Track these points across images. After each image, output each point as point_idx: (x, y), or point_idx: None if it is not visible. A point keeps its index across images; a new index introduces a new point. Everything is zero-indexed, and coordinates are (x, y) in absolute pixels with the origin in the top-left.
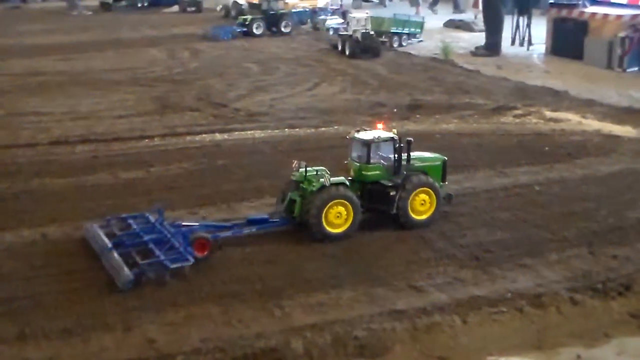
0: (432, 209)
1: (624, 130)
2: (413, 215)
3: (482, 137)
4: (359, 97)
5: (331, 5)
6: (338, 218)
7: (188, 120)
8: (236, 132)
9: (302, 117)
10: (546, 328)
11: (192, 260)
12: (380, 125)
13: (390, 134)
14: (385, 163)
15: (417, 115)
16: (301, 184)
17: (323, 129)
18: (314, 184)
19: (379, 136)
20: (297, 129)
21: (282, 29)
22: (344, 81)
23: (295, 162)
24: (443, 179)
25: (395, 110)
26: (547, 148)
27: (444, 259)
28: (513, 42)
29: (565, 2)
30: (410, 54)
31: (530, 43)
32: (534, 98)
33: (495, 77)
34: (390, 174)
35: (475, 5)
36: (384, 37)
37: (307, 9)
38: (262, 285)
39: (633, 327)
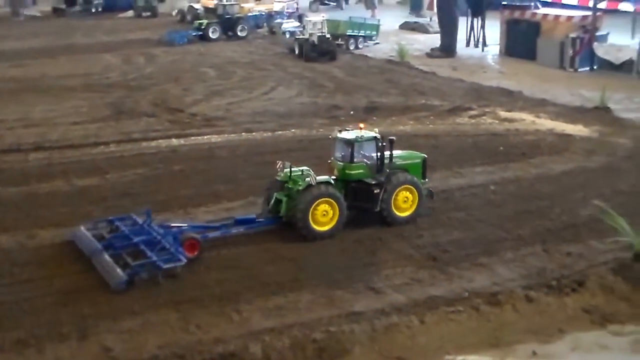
0: (415, 206)
1: (576, 129)
2: (396, 213)
3: (438, 138)
4: (316, 100)
5: (287, 9)
6: (324, 216)
7: (144, 126)
8: (192, 137)
9: (258, 121)
10: (502, 326)
11: (184, 260)
12: (361, 125)
13: (373, 134)
14: (368, 162)
15: (374, 118)
16: (286, 184)
17: (280, 132)
18: (299, 183)
19: (362, 136)
20: (254, 133)
21: (238, 33)
22: (301, 84)
23: (280, 162)
24: (423, 177)
25: (352, 112)
26: (501, 148)
27: (402, 260)
28: (468, 44)
29: (517, 4)
30: (366, 56)
31: (484, 44)
32: (488, 99)
33: (450, 78)
34: (373, 172)
35: (430, 7)
36: (340, 40)
37: (264, 13)
38: (220, 290)
39: (586, 322)
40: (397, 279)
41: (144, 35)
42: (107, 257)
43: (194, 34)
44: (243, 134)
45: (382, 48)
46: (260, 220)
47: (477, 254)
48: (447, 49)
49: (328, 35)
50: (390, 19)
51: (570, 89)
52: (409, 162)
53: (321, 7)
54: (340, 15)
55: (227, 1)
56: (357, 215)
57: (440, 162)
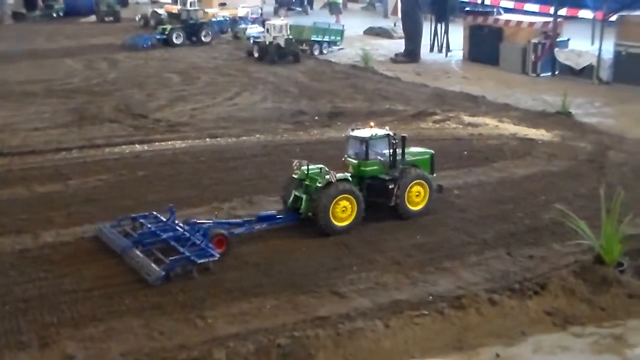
0: (426, 200)
1: (538, 134)
2: (410, 207)
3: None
4: (280, 106)
5: (251, 14)
6: (344, 212)
7: (107, 131)
8: (156, 143)
9: (223, 127)
10: (466, 329)
11: (217, 255)
12: (372, 124)
13: (385, 131)
14: (381, 159)
15: (338, 123)
16: (304, 182)
17: (244, 138)
18: (319, 180)
19: (375, 133)
20: (218, 139)
21: (202, 39)
22: (265, 90)
23: (296, 161)
24: (431, 171)
25: (316, 118)
26: (465, 152)
27: (366, 264)
28: (432, 49)
29: (480, 10)
30: (331, 61)
31: (448, 50)
32: (452, 104)
33: (414, 83)
34: (387, 168)
35: (394, 12)
36: (304, 45)
37: (228, 18)
38: (184, 296)
39: (548, 325)
40: (362, 284)
41: (106, 40)
42: (139, 253)
43: (158, 37)
44: (207, 139)
45: (346, 53)
46: (281, 217)
47: (441, 258)
48: (411, 54)
49: (291, 38)
50: (354, 25)
51: (532, 94)
52: (418, 157)
53: (287, 12)
54: (305, 21)
55: (190, 6)
56: (371, 210)
57: None
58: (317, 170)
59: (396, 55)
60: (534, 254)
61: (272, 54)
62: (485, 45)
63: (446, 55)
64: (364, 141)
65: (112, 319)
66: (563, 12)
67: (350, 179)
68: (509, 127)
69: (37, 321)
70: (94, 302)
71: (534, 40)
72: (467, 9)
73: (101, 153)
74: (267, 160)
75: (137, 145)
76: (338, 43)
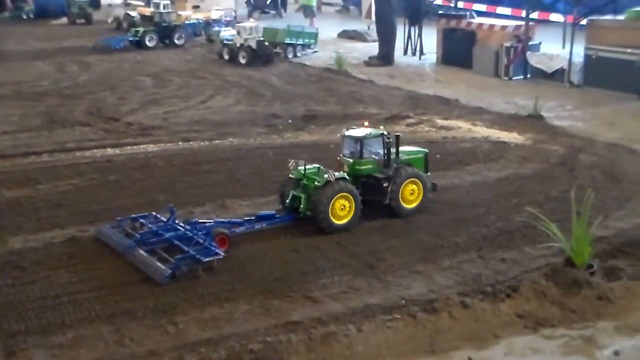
0: (420, 198)
1: (510, 137)
2: (404, 204)
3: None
4: (254, 109)
5: (225, 17)
6: (342, 210)
7: (78, 135)
8: (128, 147)
9: (196, 130)
10: (438, 332)
11: (221, 254)
12: (366, 123)
13: (380, 131)
14: (376, 157)
15: (312, 126)
16: (301, 181)
17: (217, 141)
18: (318, 180)
19: (370, 132)
20: (191, 142)
21: (176, 41)
22: (239, 93)
23: (292, 161)
24: (426, 170)
25: (290, 121)
26: (438, 155)
27: (339, 268)
28: (405, 52)
29: (453, 13)
30: (304, 64)
31: (421, 53)
32: (425, 107)
33: (388, 86)
34: (381, 167)
35: (368, 16)
36: (278, 48)
37: (201, 21)
38: (154, 301)
39: (520, 327)
40: (335, 288)
41: (78, 42)
42: (143, 252)
43: (131, 39)
44: (180, 143)
45: (320, 56)
46: (279, 216)
47: (413, 261)
48: (385, 57)
49: (263, 39)
50: (328, 28)
51: (504, 97)
52: (412, 156)
53: (261, 15)
54: (279, 24)
55: (163, 9)
56: (366, 209)
57: None
58: (314, 170)
59: (370, 58)
60: (506, 257)
61: (247, 56)
62: (458, 49)
63: (420, 58)
64: (359, 140)
65: (81, 325)
66: (534, 15)
67: (347, 178)
68: (481, 130)
69: (4, 329)
70: (63, 309)
71: (507, 44)
72: (440, 12)
73: (72, 157)
74: (240, 164)
75: (108, 149)
76: (312, 46)
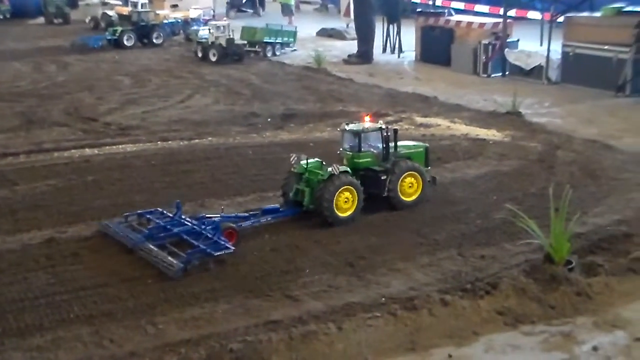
0: (419, 191)
1: (489, 134)
2: (402, 197)
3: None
4: (233, 108)
5: (204, 16)
6: (346, 203)
7: (56, 135)
8: (107, 147)
9: (175, 130)
10: (419, 330)
11: (232, 248)
12: (367, 118)
13: (378, 125)
14: (374, 151)
15: (291, 125)
16: (304, 175)
17: (196, 140)
18: (322, 173)
19: (367, 127)
20: (170, 142)
21: (154, 41)
22: (217, 92)
23: (294, 155)
24: (426, 164)
25: (269, 120)
26: None
27: (319, 267)
28: (384, 50)
29: (431, 11)
30: (284, 63)
31: (400, 51)
32: (405, 104)
33: (367, 84)
34: (379, 160)
35: (347, 14)
36: (257, 47)
37: (180, 20)
38: (134, 302)
39: (499, 324)
40: (315, 287)
41: (55, 42)
42: (153, 247)
43: (109, 37)
44: (159, 142)
45: (299, 55)
46: (284, 210)
47: (393, 259)
48: (364, 55)
49: (234, 37)
50: (307, 26)
51: (483, 95)
52: (413, 151)
53: (239, 14)
54: (258, 22)
55: (142, 8)
56: (367, 201)
57: None
58: (316, 164)
59: (349, 56)
60: (485, 254)
61: (217, 54)
62: (436, 46)
63: (399, 56)
64: (357, 134)
65: (59, 327)
66: (512, 13)
67: (350, 171)
68: (460, 128)
69: None
70: (41, 311)
71: (485, 41)
72: (418, 10)
73: (50, 157)
74: (219, 163)
75: (87, 149)
76: (291, 45)
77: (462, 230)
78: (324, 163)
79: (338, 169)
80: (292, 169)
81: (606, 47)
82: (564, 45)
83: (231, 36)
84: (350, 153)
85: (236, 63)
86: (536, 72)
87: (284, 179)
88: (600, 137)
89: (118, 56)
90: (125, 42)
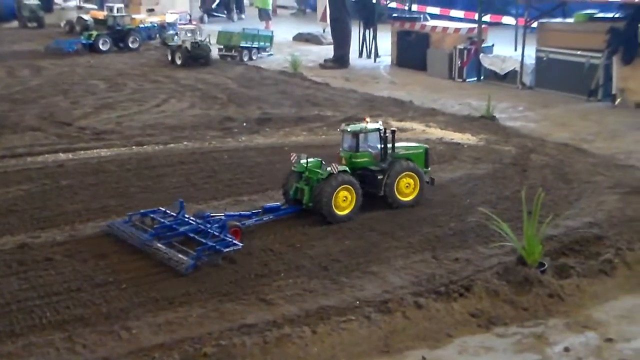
0: (416, 192)
1: (464, 138)
2: (400, 197)
3: (331, 149)
4: (208, 112)
5: (180, 20)
6: (344, 201)
7: (29, 140)
8: (81, 152)
9: (150, 134)
10: (393, 333)
11: (240, 245)
12: (368, 119)
13: (376, 125)
14: (372, 151)
15: (267, 129)
16: (304, 174)
17: (172, 145)
18: (321, 172)
19: (366, 127)
20: (145, 146)
21: (130, 45)
22: (193, 96)
23: (294, 155)
24: (426, 165)
25: (245, 124)
26: None
27: (294, 270)
28: (360, 55)
29: (407, 16)
30: (260, 67)
31: (377, 55)
32: (380, 109)
33: (343, 89)
34: (377, 160)
35: (323, 18)
36: (233, 51)
37: (156, 25)
38: (107, 307)
39: (473, 327)
40: (289, 290)
41: (29, 46)
42: (162, 246)
43: (84, 42)
44: (134, 147)
45: (276, 59)
46: (284, 208)
47: (368, 262)
48: (340, 60)
49: (200, 40)
50: (284, 31)
51: (458, 99)
52: (412, 152)
53: (213, 18)
54: (234, 27)
55: (117, 12)
56: (365, 201)
57: None
58: (316, 163)
59: (325, 61)
60: (459, 256)
61: (184, 56)
62: (412, 51)
63: (375, 60)
64: (355, 134)
65: (31, 333)
66: (487, 18)
67: (348, 170)
68: (435, 132)
69: None
70: (13, 317)
71: (460, 46)
72: (394, 15)
73: (23, 162)
74: (194, 168)
75: (60, 154)
76: (267, 49)
77: (436, 233)
78: (323, 162)
79: (337, 168)
80: (293, 168)
81: (579, 52)
82: (537, 51)
83: (198, 40)
84: (349, 153)
85: (203, 66)
86: (511, 77)
87: (285, 177)
88: (573, 140)
89: (93, 60)
90: (101, 47)
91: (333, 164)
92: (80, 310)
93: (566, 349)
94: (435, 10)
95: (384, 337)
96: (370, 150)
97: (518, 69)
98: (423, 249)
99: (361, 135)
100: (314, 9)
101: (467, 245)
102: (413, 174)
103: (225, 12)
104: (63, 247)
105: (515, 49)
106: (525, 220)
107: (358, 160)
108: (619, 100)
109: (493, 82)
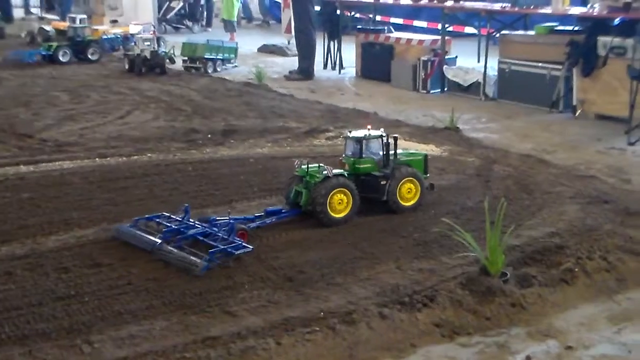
0: (417, 197)
1: (428, 149)
2: (402, 202)
3: (296, 160)
4: (173, 124)
5: (143, 31)
6: (340, 204)
7: None
8: (43, 164)
9: (113, 146)
10: (357, 344)
11: (250, 247)
12: (369, 126)
13: (379, 132)
14: (375, 157)
15: (232, 141)
16: (304, 178)
17: (135, 157)
18: (317, 175)
19: (369, 134)
20: (109, 159)
21: (89, 57)
22: (158, 108)
23: (297, 160)
24: (425, 171)
25: (209, 136)
26: None
27: (258, 282)
28: (325, 66)
29: (372, 28)
30: (224, 79)
31: (341, 67)
32: (345, 120)
33: (308, 100)
34: (380, 166)
35: (288, 30)
36: (197, 63)
37: (119, 36)
38: (69, 321)
39: (437, 336)
40: (254, 302)
41: None
42: (173, 249)
43: (44, 53)
44: (97, 159)
45: (240, 71)
46: (286, 211)
47: (332, 273)
48: (305, 71)
49: (156, 50)
50: (249, 42)
51: (422, 110)
52: (412, 158)
53: (172, 29)
54: (199, 38)
55: (80, 23)
56: (367, 206)
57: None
58: (316, 168)
59: (290, 72)
60: (423, 267)
61: (139, 65)
62: (377, 63)
63: (339, 72)
64: (359, 140)
65: None
66: (450, 28)
67: (345, 174)
68: (400, 143)
69: None
70: None
71: (424, 58)
72: (359, 26)
73: None
74: (159, 180)
75: (21, 166)
76: (232, 61)
77: (400, 244)
78: (322, 166)
79: (332, 171)
80: (295, 172)
81: (540, 64)
82: (499, 62)
83: (158, 49)
84: (352, 159)
85: (159, 76)
86: (474, 89)
87: (287, 182)
88: (535, 151)
89: (55, 72)
90: (61, 58)
91: (329, 168)
92: (41, 325)
93: (528, 358)
94: (399, 20)
95: (349, 348)
96: (373, 156)
97: (481, 80)
98: (387, 259)
99: (364, 142)
100: (279, 21)
101: (431, 256)
102: (414, 179)
103: (191, 22)
104: (24, 261)
105: (479, 61)
106: (488, 230)
107: (362, 166)
108: (579, 111)
109: (457, 94)
